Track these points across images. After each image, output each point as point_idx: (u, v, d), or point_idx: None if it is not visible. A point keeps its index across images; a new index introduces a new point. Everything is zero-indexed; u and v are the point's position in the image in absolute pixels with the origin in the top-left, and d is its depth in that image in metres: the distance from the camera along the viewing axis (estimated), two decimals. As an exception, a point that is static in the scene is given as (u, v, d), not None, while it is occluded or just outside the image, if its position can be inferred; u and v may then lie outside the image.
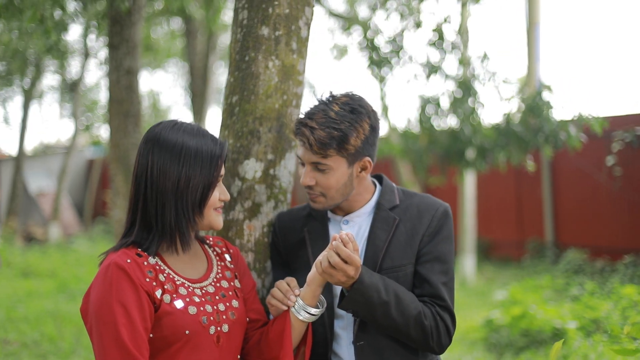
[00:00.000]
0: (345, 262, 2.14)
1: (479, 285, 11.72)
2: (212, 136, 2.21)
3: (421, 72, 8.16)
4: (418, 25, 7.99)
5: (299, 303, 2.25)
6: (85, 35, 16.09)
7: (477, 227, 13.75)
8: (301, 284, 2.32)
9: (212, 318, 2.15)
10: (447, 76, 8.12)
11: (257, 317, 2.36)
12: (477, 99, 7.95)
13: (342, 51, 9.30)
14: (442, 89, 8.16)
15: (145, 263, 2.11)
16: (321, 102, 2.39)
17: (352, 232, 2.43)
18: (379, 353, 2.34)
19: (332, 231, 2.47)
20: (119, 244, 2.18)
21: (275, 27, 2.64)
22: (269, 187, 2.63)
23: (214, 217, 2.23)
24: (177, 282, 2.15)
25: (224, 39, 18.41)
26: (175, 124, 2.19)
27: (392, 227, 2.39)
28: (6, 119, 22.66)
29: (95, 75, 33.22)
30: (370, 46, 8.21)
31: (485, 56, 7.94)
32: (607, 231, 11.88)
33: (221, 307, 2.19)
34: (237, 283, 2.33)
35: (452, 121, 8.08)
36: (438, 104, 8.04)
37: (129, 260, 2.08)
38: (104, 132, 24.00)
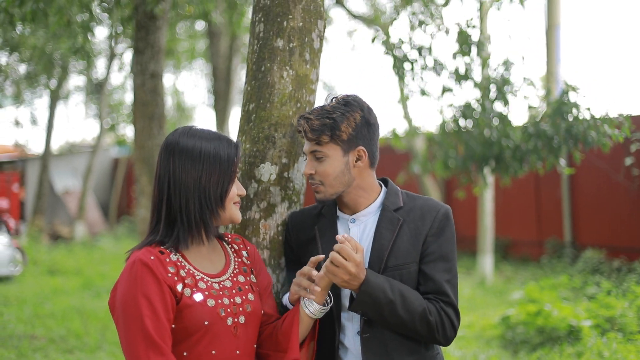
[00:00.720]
0: (345, 259, 2.31)
1: (497, 285, 11.73)
2: (226, 138, 2.39)
3: (449, 79, 8.13)
4: (447, 32, 7.97)
5: (309, 300, 2.41)
6: (110, 37, 16.28)
7: (495, 227, 13.74)
8: None
9: (229, 310, 2.30)
10: (475, 84, 8.09)
11: (271, 312, 2.51)
12: (507, 103, 7.91)
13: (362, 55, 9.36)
14: (471, 95, 8.12)
15: (167, 260, 2.27)
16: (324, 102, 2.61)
17: (358, 230, 2.58)
18: (383, 344, 2.49)
19: (341, 229, 2.62)
20: (143, 242, 2.35)
21: (290, 39, 2.79)
22: (283, 189, 2.78)
23: (233, 210, 2.41)
24: (197, 277, 2.30)
25: (247, 41, 18.52)
26: (190, 130, 2.38)
27: (397, 227, 2.53)
28: (33, 119, 22.89)
29: (120, 76, 33.42)
30: (392, 52, 8.23)
31: (507, 61, 7.93)
32: (625, 231, 11.88)
33: (238, 300, 2.35)
34: (253, 278, 2.48)
35: (484, 127, 8.00)
36: (469, 110, 8.00)
37: (152, 257, 2.24)
38: (129, 131, 24.16)
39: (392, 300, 2.38)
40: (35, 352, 7.57)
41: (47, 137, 20.76)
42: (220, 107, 14.75)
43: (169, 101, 25.77)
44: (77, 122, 54.28)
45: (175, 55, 19.17)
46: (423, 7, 8.91)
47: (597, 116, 7.35)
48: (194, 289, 2.27)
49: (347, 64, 48.65)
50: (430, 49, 8.13)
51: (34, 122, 22.82)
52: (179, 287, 2.24)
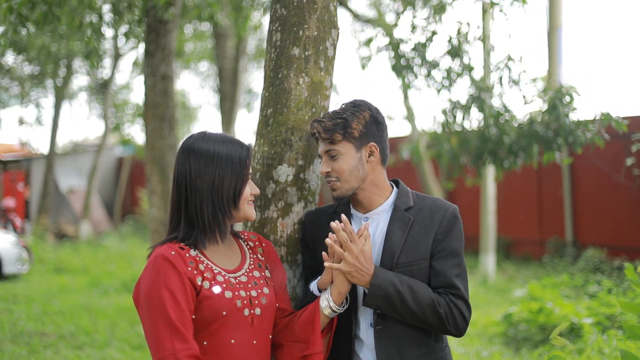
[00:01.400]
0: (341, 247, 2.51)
1: (499, 283, 11.82)
2: (238, 141, 2.55)
3: (446, 78, 8.22)
4: (449, 41, 8.05)
5: (327, 300, 2.56)
6: (115, 37, 16.32)
7: (498, 226, 13.84)
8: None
9: (245, 302, 2.45)
10: (473, 80, 8.17)
11: (285, 307, 2.66)
12: (502, 99, 8.00)
13: (366, 59, 9.42)
14: (468, 91, 8.21)
15: (187, 255, 2.43)
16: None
17: (371, 228, 2.72)
18: (395, 337, 2.63)
19: (355, 227, 2.74)
20: (165, 239, 2.51)
21: (305, 47, 2.95)
22: (299, 190, 2.92)
23: (247, 209, 2.57)
24: (215, 271, 2.46)
25: (253, 42, 18.54)
26: (204, 135, 2.54)
27: (408, 226, 2.67)
28: (38, 119, 22.95)
29: (125, 76, 33.43)
30: (395, 52, 8.34)
31: (509, 58, 8.00)
32: (626, 231, 11.97)
33: (253, 293, 2.50)
34: (267, 273, 2.63)
35: (480, 122, 8.11)
36: (466, 107, 8.09)
37: (173, 253, 2.40)
38: (133, 131, 24.21)
39: (401, 292, 2.53)
40: (46, 349, 7.68)
41: (52, 137, 20.83)
42: (226, 109, 14.74)
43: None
44: (81, 122, 54.27)
45: (186, 57, 19.19)
46: (425, 9, 8.96)
47: (588, 117, 7.47)
48: (212, 282, 2.42)
49: (349, 65, 48.60)
50: (425, 45, 8.22)
51: (39, 121, 22.89)
52: (199, 280, 2.39)
